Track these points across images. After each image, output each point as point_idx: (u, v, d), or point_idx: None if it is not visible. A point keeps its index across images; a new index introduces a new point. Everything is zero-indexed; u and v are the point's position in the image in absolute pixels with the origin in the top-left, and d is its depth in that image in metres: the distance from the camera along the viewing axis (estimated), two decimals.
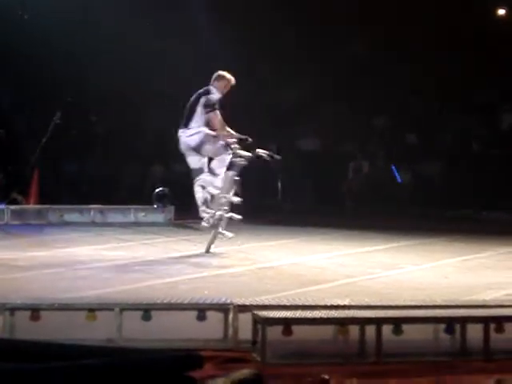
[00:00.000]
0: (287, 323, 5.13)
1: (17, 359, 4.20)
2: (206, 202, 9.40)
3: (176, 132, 9.44)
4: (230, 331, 5.35)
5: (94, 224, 12.42)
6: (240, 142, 9.39)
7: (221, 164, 9.32)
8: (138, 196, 14.80)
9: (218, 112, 9.29)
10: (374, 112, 17.40)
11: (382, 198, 16.03)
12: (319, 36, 16.49)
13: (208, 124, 9.31)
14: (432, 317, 5.44)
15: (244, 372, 4.23)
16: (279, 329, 5.12)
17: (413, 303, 5.86)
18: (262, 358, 5.07)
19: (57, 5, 14.88)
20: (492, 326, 5.30)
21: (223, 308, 5.41)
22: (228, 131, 9.43)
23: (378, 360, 5.12)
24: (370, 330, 5.17)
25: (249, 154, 9.33)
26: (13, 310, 5.30)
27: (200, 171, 9.39)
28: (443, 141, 17.03)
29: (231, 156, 9.28)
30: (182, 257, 9.19)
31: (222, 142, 9.32)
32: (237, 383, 4.16)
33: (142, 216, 12.70)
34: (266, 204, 15.90)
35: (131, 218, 12.70)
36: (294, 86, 17.14)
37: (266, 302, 5.67)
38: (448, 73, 16.49)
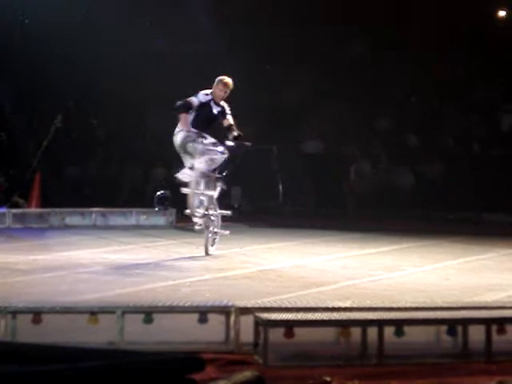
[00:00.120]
0: (289, 325, 5.13)
1: (19, 362, 4.20)
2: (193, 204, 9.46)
3: None
4: (232, 334, 5.36)
5: (95, 227, 12.43)
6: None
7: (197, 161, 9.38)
8: (140, 199, 14.81)
9: (185, 113, 9.29)
10: (375, 114, 17.39)
11: (383, 200, 16.03)
12: (320, 36, 16.49)
13: (193, 124, 9.35)
14: (434, 319, 5.44)
15: (246, 374, 4.23)
16: (281, 331, 5.12)
17: (414, 305, 5.86)
18: (263, 361, 5.07)
19: (58, 8, 14.89)
20: (494, 327, 5.30)
21: (225, 310, 5.42)
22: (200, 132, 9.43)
23: (380, 362, 5.13)
24: (372, 332, 5.17)
25: (217, 148, 9.30)
26: (15, 313, 5.31)
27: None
28: (444, 142, 17.02)
29: (200, 151, 9.30)
30: (183, 259, 9.20)
31: (191, 138, 9.33)
32: None
33: (143, 219, 12.71)
34: (267, 206, 15.90)
35: (133, 220, 12.70)
36: (295, 88, 17.14)
37: (268, 305, 5.66)
38: (448, 73, 16.49)
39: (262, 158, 16.88)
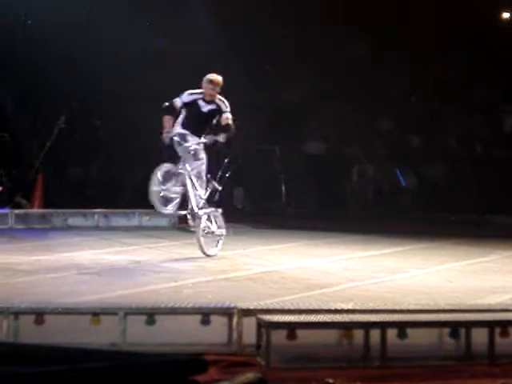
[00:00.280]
0: (291, 327, 5.13)
1: (21, 363, 4.20)
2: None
3: None
4: (235, 335, 5.35)
5: (98, 228, 12.43)
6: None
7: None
8: (142, 200, 14.78)
9: (168, 115, 9.31)
10: (376, 114, 17.38)
11: (385, 202, 16.02)
12: (320, 36, 16.48)
13: (183, 124, 9.38)
14: (437, 321, 5.43)
15: (248, 376, 4.22)
16: (283, 333, 5.11)
17: (417, 307, 5.86)
18: (266, 362, 5.06)
19: (60, 9, 14.89)
20: (497, 330, 5.29)
21: (227, 312, 5.41)
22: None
23: (383, 364, 5.12)
24: (375, 334, 5.16)
25: (189, 144, 9.29)
26: (17, 313, 5.31)
27: None
28: (446, 143, 17.01)
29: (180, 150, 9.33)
30: (185, 261, 9.19)
31: (176, 138, 9.34)
32: None
33: (146, 220, 12.70)
34: (269, 207, 15.90)
35: (135, 221, 12.70)
36: (295, 88, 17.13)
37: (271, 306, 5.66)
38: (448, 73, 16.48)
39: (265, 158, 16.89)
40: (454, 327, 5.31)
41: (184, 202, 9.50)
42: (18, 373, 4.03)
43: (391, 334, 5.18)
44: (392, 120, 17.44)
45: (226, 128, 9.34)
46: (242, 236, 11.06)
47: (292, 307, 5.61)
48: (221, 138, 9.32)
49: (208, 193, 9.53)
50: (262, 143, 16.88)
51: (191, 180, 9.32)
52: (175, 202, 9.32)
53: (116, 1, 15.11)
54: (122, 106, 16.46)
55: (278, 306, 5.68)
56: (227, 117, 9.35)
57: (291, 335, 5.10)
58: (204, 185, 9.47)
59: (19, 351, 4.39)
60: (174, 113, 9.40)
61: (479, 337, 5.28)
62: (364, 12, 16.01)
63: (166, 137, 9.29)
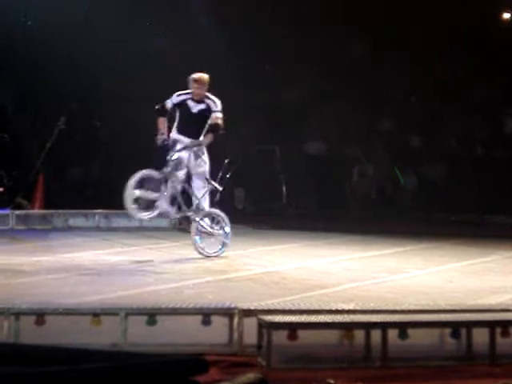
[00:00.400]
0: (292, 328, 5.13)
1: (22, 363, 4.20)
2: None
3: None
4: (235, 336, 5.35)
5: (98, 229, 12.43)
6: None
7: None
8: None
9: (161, 117, 9.35)
10: (376, 115, 17.38)
11: (385, 202, 16.02)
12: (320, 36, 16.48)
13: (177, 126, 9.41)
14: (437, 321, 5.43)
15: (249, 376, 4.22)
16: (284, 333, 5.11)
17: (418, 307, 5.86)
18: (267, 363, 5.06)
19: (59, 9, 14.89)
20: (498, 330, 5.29)
21: (228, 313, 5.41)
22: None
23: (384, 364, 5.12)
24: (376, 335, 5.16)
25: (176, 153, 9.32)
26: (18, 314, 5.31)
27: None
28: (446, 144, 17.01)
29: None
30: (186, 261, 9.19)
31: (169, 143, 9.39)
32: None
33: (146, 221, 12.68)
34: (270, 208, 15.90)
35: (136, 222, 12.66)
36: (295, 88, 17.12)
37: (271, 307, 5.66)
38: (448, 73, 16.48)
39: (265, 159, 16.89)
40: (455, 327, 5.31)
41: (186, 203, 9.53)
42: (19, 373, 4.03)
43: (392, 334, 5.18)
44: (392, 120, 17.44)
45: (214, 128, 9.31)
46: (243, 237, 11.05)
47: (293, 307, 5.61)
48: (205, 140, 9.31)
49: (206, 194, 9.52)
50: (262, 143, 16.88)
51: (181, 185, 9.35)
52: (157, 206, 9.31)
53: (116, 1, 15.11)
54: (121, 105, 16.46)
55: (278, 307, 5.68)
56: (216, 116, 9.31)
57: (292, 335, 5.10)
58: (203, 186, 9.46)
59: (20, 352, 4.39)
60: (166, 115, 9.42)
61: (480, 337, 5.28)
62: (364, 12, 16.01)
63: (159, 139, 9.32)
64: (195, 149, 9.35)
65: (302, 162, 16.68)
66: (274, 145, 16.80)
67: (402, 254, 10.12)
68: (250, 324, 5.32)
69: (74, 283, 7.57)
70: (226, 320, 5.39)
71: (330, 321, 5.26)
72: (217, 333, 5.36)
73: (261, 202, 16.23)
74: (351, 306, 5.69)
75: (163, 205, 9.24)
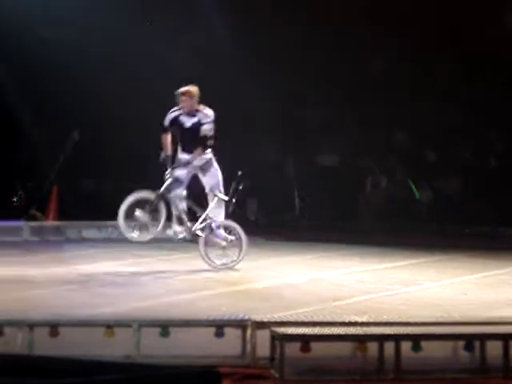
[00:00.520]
0: (305, 340, 5.12)
1: (36, 375, 4.21)
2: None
3: None
4: (248, 348, 5.35)
5: (111, 240, 12.46)
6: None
7: None
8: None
9: (164, 134, 9.41)
10: (391, 127, 17.35)
11: (399, 214, 15.97)
12: (336, 52, 16.48)
13: (180, 143, 9.48)
14: (451, 334, 5.41)
15: None
16: (297, 345, 5.10)
17: (432, 320, 5.84)
18: (280, 375, 5.05)
19: (80, 27, 14.98)
20: (511, 343, 5.26)
21: (241, 324, 5.41)
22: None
23: (397, 377, 5.09)
24: (389, 347, 5.14)
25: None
26: (32, 326, 5.32)
27: None
28: (461, 156, 16.96)
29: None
30: (199, 272, 9.19)
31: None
32: None
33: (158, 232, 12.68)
34: (283, 219, 15.89)
35: None
36: (312, 100, 17.12)
37: (284, 319, 5.65)
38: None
39: (278, 170, 16.89)
40: (469, 340, 5.28)
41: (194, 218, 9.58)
42: None
43: (405, 346, 5.16)
44: (409, 133, 17.40)
45: (202, 141, 9.30)
46: (256, 248, 11.04)
47: (306, 319, 5.60)
48: (193, 157, 9.30)
49: (222, 205, 9.51)
50: (275, 155, 16.88)
51: (183, 203, 9.37)
52: (155, 226, 9.43)
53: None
54: (135, 121, 16.47)
55: (291, 319, 5.67)
56: (203, 128, 9.29)
57: (305, 348, 5.09)
58: (212, 199, 9.45)
59: (34, 363, 4.40)
60: (168, 131, 9.46)
61: (494, 349, 5.25)
62: (381, 27, 15.97)
63: (161, 156, 9.41)
64: (198, 164, 9.35)
65: (316, 174, 16.68)
66: (287, 156, 16.80)
67: (415, 266, 10.08)
68: (263, 336, 5.32)
69: (87, 295, 7.59)
70: (239, 332, 5.39)
71: (343, 333, 5.25)
72: (230, 345, 5.36)
73: (274, 213, 16.22)
74: (364, 319, 5.67)
75: (162, 227, 9.50)
